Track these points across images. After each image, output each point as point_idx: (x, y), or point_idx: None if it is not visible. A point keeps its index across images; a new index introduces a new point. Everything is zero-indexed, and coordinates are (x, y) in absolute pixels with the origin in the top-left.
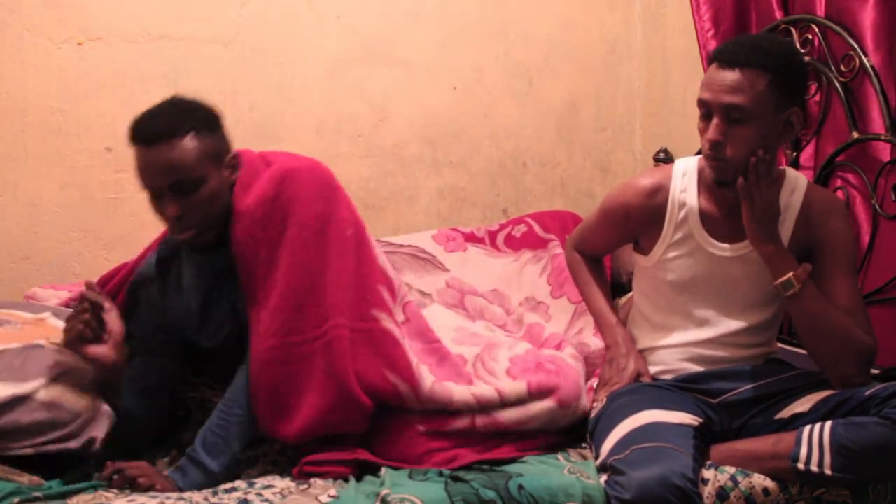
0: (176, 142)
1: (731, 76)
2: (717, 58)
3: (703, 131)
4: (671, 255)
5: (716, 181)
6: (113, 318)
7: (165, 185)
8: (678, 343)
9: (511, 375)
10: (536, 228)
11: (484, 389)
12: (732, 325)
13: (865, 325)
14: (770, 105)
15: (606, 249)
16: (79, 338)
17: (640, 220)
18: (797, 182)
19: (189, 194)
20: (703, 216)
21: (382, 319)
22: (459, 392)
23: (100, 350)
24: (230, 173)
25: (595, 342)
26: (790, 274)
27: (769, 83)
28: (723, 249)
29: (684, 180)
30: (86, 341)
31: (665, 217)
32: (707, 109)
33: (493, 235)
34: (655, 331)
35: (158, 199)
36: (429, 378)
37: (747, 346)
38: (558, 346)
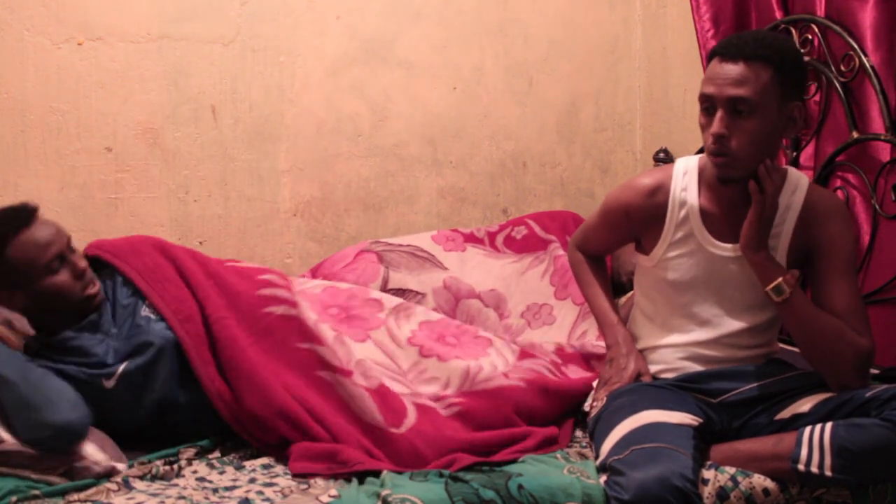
0: None
1: (735, 69)
2: (720, 52)
3: (705, 127)
4: (672, 254)
5: (719, 179)
6: None
7: None
8: (679, 342)
9: (410, 343)
10: (536, 229)
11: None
12: (733, 325)
13: (863, 328)
14: (774, 98)
15: (608, 249)
16: None
17: (640, 219)
18: (799, 182)
19: None
20: (704, 215)
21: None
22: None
23: None
24: None
25: (596, 346)
26: (780, 279)
27: (773, 76)
28: (724, 249)
29: (685, 179)
30: None
31: (666, 216)
32: (710, 104)
33: (492, 236)
34: (656, 330)
35: None
36: (330, 333)
37: (748, 347)
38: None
